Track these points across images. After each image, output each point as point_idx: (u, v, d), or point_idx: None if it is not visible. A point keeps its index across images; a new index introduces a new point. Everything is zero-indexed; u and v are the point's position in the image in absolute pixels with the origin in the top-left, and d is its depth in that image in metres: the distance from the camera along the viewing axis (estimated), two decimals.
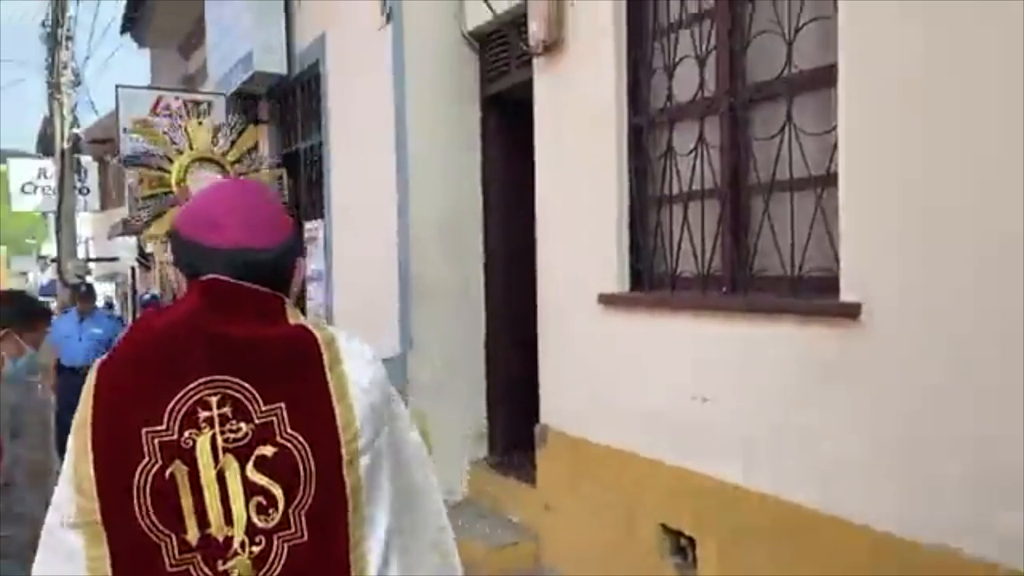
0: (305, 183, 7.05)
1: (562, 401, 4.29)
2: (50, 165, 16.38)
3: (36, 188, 17.02)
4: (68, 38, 13.87)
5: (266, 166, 4.18)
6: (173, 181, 3.05)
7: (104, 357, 1.18)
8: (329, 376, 1.18)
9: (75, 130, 14.68)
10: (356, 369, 1.20)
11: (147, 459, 1.09)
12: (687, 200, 3.52)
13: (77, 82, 14.74)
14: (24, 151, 22.76)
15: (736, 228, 3.26)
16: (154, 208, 3.20)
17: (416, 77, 5.02)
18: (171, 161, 3.11)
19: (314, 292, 6.69)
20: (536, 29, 4.19)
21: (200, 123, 3.65)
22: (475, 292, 5.18)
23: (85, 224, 19.69)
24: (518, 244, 4.88)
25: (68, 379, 6.41)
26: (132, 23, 11.07)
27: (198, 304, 1.15)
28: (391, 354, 4.99)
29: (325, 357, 1.18)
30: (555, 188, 4.30)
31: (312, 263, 6.81)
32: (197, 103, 7.42)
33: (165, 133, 3.49)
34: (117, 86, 7.46)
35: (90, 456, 1.10)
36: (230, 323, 1.14)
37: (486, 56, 5.13)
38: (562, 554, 4.24)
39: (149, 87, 7.62)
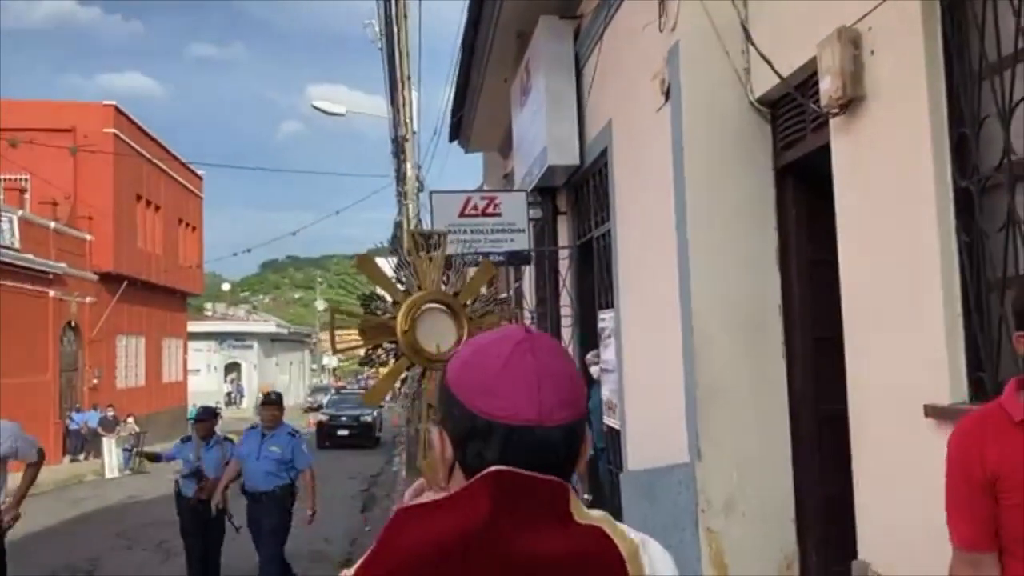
0: (597, 273, 6.87)
1: (886, 535, 3.41)
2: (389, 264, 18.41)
3: None
4: (401, 151, 15.60)
5: (504, 307, 3.72)
6: (399, 329, 2.51)
7: (355, 573, 0.92)
8: None
9: (421, 230, 16.39)
10: None
11: None
12: None
13: (420, 187, 16.51)
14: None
15: None
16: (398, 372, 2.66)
17: (697, 153, 4.57)
18: (396, 304, 2.61)
19: (608, 388, 6.39)
20: (829, 86, 3.55)
21: (430, 258, 3.03)
22: (776, 394, 4.46)
23: None
24: (827, 336, 4.12)
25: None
26: (457, 131, 12.11)
27: (490, 509, 0.90)
28: (679, 461, 4.46)
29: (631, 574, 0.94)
30: (863, 271, 3.53)
31: (605, 352, 6.54)
32: (494, 207, 7.67)
33: (395, 271, 2.90)
34: (431, 192, 8.03)
35: None
36: (527, 534, 0.90)
37: (777, 123, 4.53)
38: None
39: (457, 191, 8.08)
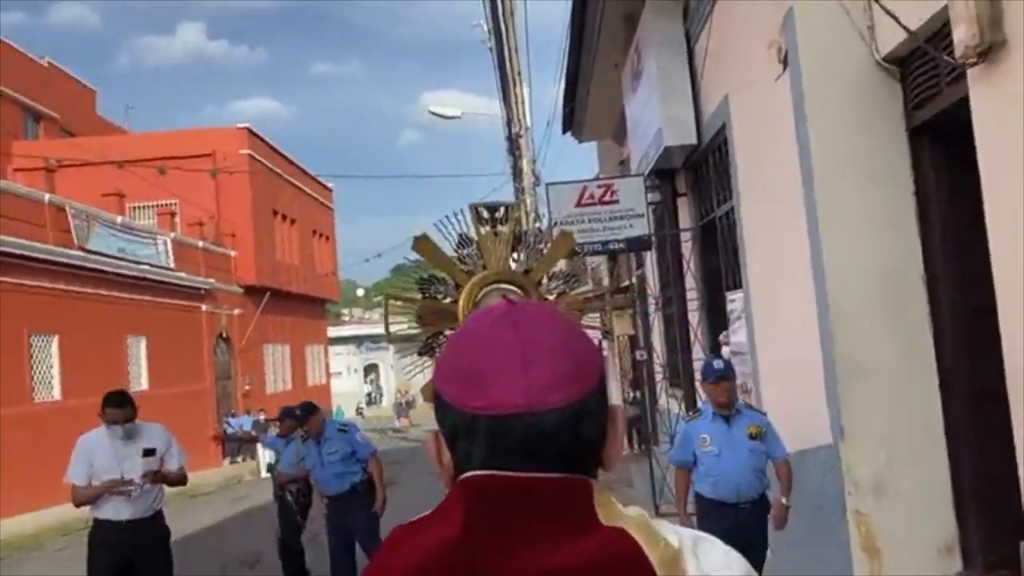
0: (723, 253, 6.68)
1: None
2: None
3: None
4: (516, 148, 15.69)
5: (583, 287, 3.16)
6: (461, 314, 2.27)
7: None
8: None
9: (537, 225, 16.51)
10: None
11: None
12: None
13: (536, 181, 16.61)
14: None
15: None
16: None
17: (822, 119, 4.36)
18: (458, 287, 2.33)
19: (740, 372, 6.21)
20: (964, 35, 3.30)
21: (496, 233, 2.72)
22: (924, 368, 4.20)
23: None
24: (976, 305, 3.84)
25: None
26: (570, 122, 12.07)
27: (461, 522, 0.78)
28: (821, 443, 4.28)
29: None
30: (1013, 235, 3.26)
31: (735, 336, 6.36)
32: (611, 194, 7.60)
33: (457, 249, 2.65)
34: (547, 184, 8.04)
35: None
36: (515, 547, 0.76)
37: (907, 81, 4.25)
38: None
39: (573, 181, 8.05)
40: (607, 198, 7.72)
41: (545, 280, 2.42)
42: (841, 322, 4.25)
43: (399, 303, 2.43)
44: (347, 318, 52.99)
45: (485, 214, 2.38)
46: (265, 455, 18.49)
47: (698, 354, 7.26)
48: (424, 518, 0.82)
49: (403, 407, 33.55)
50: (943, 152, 4.15)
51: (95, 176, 21.28)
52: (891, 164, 4.30)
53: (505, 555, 0.75)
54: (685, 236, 7.62)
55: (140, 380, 18.92)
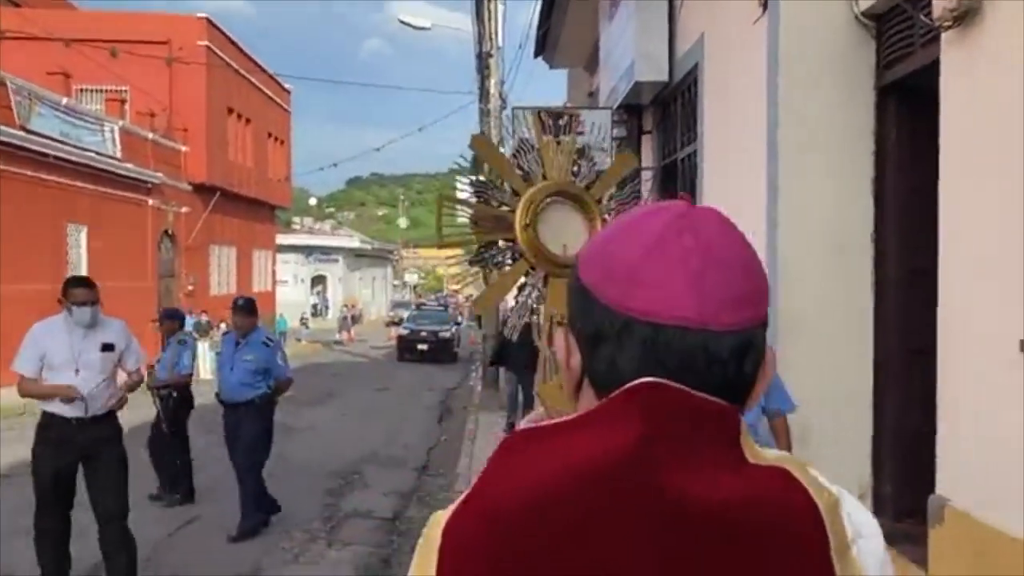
0: (681, 191, 6.70)
1: (967, 474, 3.31)
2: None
3: None
4: (486, 67, 15.36)
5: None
6: (517, 224, 2.08)
7: (449, 517, 0.70)
8: (838, 570, 0.68)
9: (502, 149, 16.30)
10: (869, 556, 0.71)
11: None
12: None
13: (503, 104, 16.30)
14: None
15: None
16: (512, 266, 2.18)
17: (794, 68, 4.35)
18: (516, 195, 2.14)
19: None
20: None
21: (558, 142, 2.48)
22: (862, 324, 4.32)
23: None
24: (919, 267, 3.94)
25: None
26: (542, 46, 11.82)
27: (640, 431, 0.67)
28: None
29: (831, 536, 0.68)
30: (964, 201, 3.33)
31: None
32: (577, 124, 7.51)
33: (515, 156, 2.44)
34: (513, 108, 7.91)
35: None
36: (685, 470, 0.66)
37: (882, 39, 4.25)
38: None
39: (540, 108, 7.92)
40: (576, 128, 7.62)
41: (604, 200, 2.25)
42: (787, 275, 4.33)
43: (454, 204, 2.20)
44: (297, 227, 52.22)
45: (548, 121, 2.24)
46: (208, 358, 18.36)
47: None
48: (563, 423, 0.71)
49: (347, 321, 33.46)
50: (907, 114, 4.19)
51: (40, 52, 20.22)
52: (856, 122, 4.32)
53: (675, 479, 0.65)
54: (646, 175, 7.62)
55: (80, 270, 18.44)
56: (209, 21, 24.71)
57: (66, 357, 4.44)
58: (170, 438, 7.03)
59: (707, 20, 5.80)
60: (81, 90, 21.68)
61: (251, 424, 6.09)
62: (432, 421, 12.62)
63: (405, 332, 24.72)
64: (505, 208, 2.14)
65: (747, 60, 4.81)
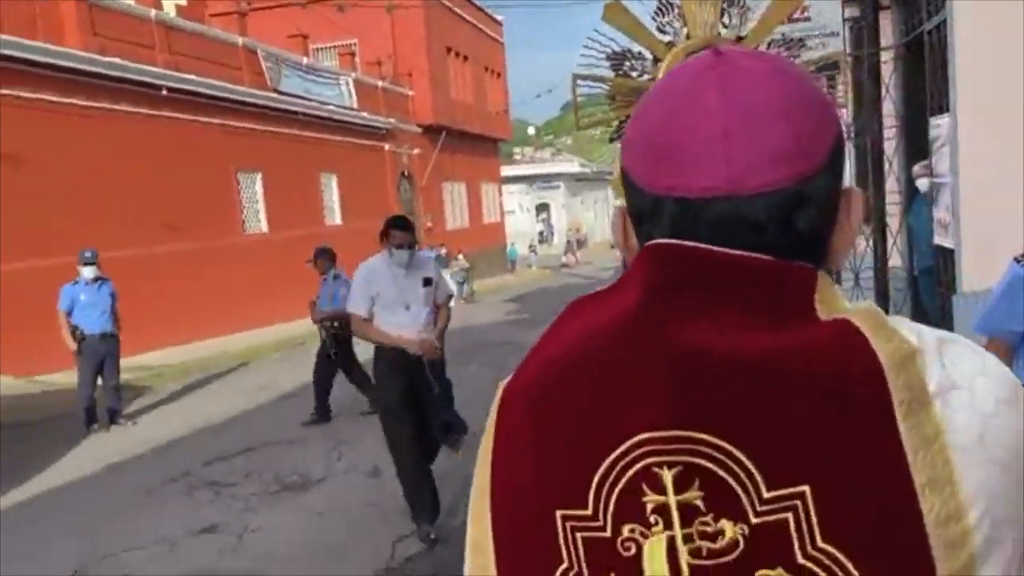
0: (929, 73, 6.04)
1: None
2: None
3: None
4: None
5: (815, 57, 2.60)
6: None
7: (509, 379, 0.74)
8: (904, 429, 0.59)
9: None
10: (963, 411, 0.61)
11: (566, 564, 0.66)
12: None
13: None
14: None
15: None
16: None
17: None
18: (657, 61, 1.97)
19: (941, 203, 5.77)
20: None
21: None
22: None
23: None
24: None
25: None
26: None
27: (643, 289, 0.66)
28: None
29: (895, 391, 0.60)
30: None
31: (939, 166, 5.87)
32: (801, 11, 6.96)
33: (655, 17, 2.17)
34: None
35: (490, 544, 0.71)
36: (707, 328, 0.63)
37: None
38: None
39: None
40: (797, 16, 7.10)
41: (764, 47, 2.08)
42: None
43: (588, 81, 2.04)
44: (519, 157, 53.44)
45: None
46: (451, 286, 19.70)
47: (891, 186, 6.78)
48: (607, 288, 0.72)
49: (572, 244, 34.09)
50: None
51: (280, 18, 22.14)
52: None
53: (698, 332, 0.62)
54: (886, 56, 6.94)
55: (334, 215, 20.36)
56: None
57: (395, 296, 4.67)
58: (343, 366, 7.85)
59: None
60: (317, 49, 23.49)
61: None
62: None
63: None
64: (647, 77, 2.02)
65: None
